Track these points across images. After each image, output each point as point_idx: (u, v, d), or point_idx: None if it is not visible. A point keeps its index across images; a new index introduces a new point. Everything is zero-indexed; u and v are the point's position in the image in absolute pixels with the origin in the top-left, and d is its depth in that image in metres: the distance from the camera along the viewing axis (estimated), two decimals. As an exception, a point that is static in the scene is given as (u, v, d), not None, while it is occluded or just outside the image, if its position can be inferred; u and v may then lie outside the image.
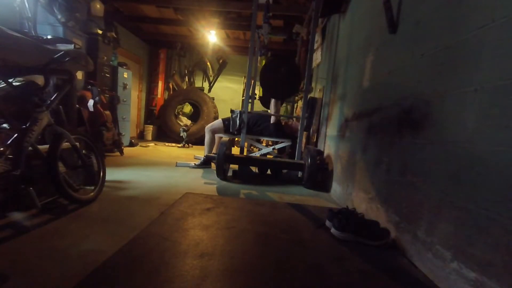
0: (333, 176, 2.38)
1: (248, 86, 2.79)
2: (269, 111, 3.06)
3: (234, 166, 2.97)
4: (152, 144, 5.19)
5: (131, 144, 4.45)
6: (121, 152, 3.52)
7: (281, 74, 2.67)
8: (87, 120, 2.94)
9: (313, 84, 3.81)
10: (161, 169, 2.80)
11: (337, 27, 2.80)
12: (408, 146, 1.26)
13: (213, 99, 6.02)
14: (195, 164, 3.13)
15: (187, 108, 6.16)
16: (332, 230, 1.40)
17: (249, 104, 2.80)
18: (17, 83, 1.54)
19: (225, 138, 2.77)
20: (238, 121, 2.71)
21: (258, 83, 3.12)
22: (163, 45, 6.28)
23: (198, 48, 6.08)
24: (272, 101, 2.95)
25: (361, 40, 2.04)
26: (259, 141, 3.35)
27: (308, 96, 2.76)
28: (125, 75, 4.13)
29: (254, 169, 3.04)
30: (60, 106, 1.88)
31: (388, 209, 1.38)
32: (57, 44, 1.66)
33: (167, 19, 4.92)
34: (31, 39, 1.48)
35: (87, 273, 0.88)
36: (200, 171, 2.91)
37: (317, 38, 3.53)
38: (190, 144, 5.37)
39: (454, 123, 0.99)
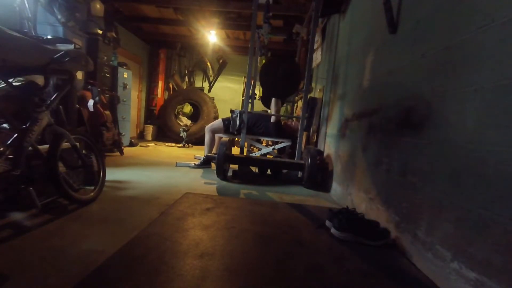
0: (333, 176, 2.37)
1: (248, 86, 2.79)
2: (269, 111, 3.06)
3: (234, 166, 2.97)
4: (152, 144, 5.19)
5: (131, 144, 4.45)
6: (121, 152, 3.52)
7: (280, 73, 2.67)
8: (87, 120, 2.94)
9: (313, 84, 3.81)
10: (161, 169, 2.80)
11: (337, 27, 2.80)
12: (408, 146, 1.26)
13: (213, 99, 6.02)
14: (195, 164, 3.13)
15: (187, 108, 6.16)
16: (332, 230, 1.40)
17: (249, 104, 2.80)
18: (17, 83, 1.54)
19: (225, 138, 2.77)
20: (238, 121, 2.71)
21: (258, 83, 3.12)
22: (163, 45, 6.28)
23: (198, 48, 6.08)
24: (273, 100, 2.95)
25: (361, 40, 2.04)
26: (259, 141, 3.35)
27: (308, 96, 2.76)
28: (125, 75, 4.14)
29: (254, 169, 3.04)
30: (60, 106, 1.88)
31: (388, 209, 1.38)
32: (57, 44, 1.66)
33: (167, 19, 4.92)
34: (31, 39, 1.48)
35: (87, 273, 0.88)
36: (200, 171, 2.91)
37: (317, 38, 3.53)
38: (190, 144, 5.37)
39: (454, 123, 0.99)
